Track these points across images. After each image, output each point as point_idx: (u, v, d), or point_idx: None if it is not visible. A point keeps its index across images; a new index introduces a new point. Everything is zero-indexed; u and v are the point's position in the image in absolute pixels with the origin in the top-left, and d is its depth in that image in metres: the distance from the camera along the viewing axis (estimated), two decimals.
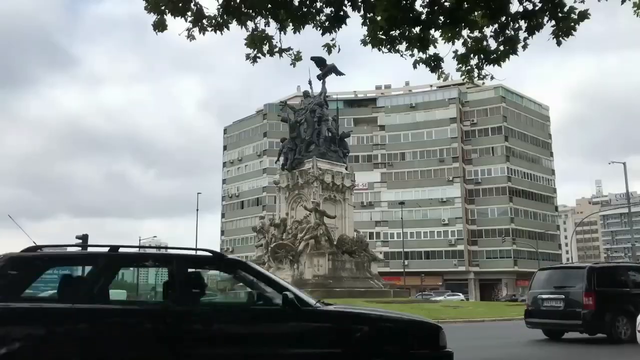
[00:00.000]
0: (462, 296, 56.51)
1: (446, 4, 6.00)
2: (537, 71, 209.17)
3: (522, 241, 70.07)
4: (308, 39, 7.43)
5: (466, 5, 5.92)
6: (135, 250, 6.55)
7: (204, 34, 5.95)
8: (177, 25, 6.06)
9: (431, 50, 6.37)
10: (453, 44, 6.23)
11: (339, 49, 6.35)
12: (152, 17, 5.86)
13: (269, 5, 5.79)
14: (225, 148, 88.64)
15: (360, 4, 6.04)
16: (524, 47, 6.16)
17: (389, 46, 6.32)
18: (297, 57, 6.34)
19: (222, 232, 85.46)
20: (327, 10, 6.02)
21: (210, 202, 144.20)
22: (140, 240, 72.11)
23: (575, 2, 5.89)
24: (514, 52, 6.19)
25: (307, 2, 5.93)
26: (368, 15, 6.11)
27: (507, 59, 6.27)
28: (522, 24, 5.94)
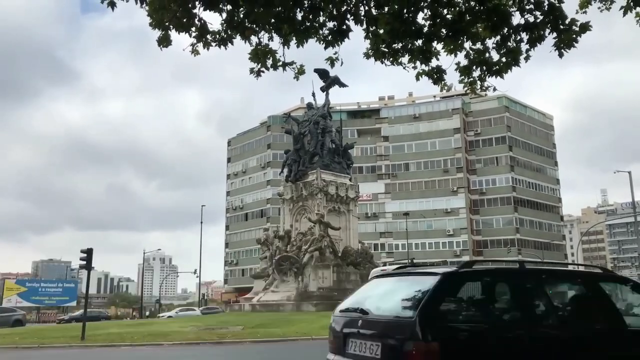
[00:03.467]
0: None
1: (448, 16, 6.04)
2: (536, 81, 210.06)
3: (528, 251, 69.69)
4: (311, 52, 7.50)
5: (468, 18, 5.96)
6: None
7: (208, 49, 6.01)
8: (181, 39, 6.13)
9: (434, 63, 6.39)
10: (455, 56, 6.26)
11: (342, 62, 6.39)
12: (153, 31, 5.92)
13: (273, 20, 5.84)
14: (229, 160, 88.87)
15: (362, 17, 6.09)
16: (526, 58, 6.19)
17: (391, 59, 6.35)
18: (301, 71, 6.38)
19: (227, 245, 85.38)
20: (330, 24, 6.07)
21: (213, 214, 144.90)
22: (144, 253, 72.19)
23: (577, 13, 5.92)
24: (516, 63, 6.21)
25: (310, 17, 5.99)
26: (370, 28, 6.15)
27: (509, 70, 6.29)
28: (524, 35, 5.97)
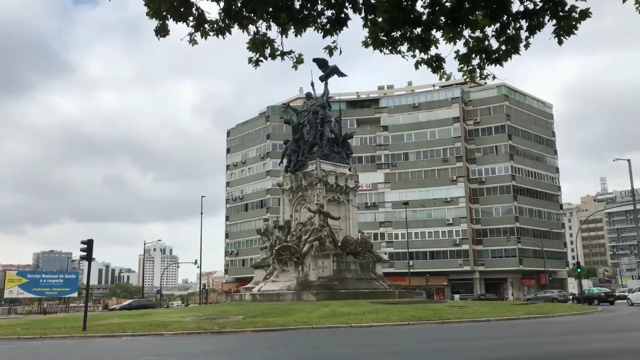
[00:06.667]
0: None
1: (447, 4, 6.00)
2: (530, 71, 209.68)
3: (527, 240, 69.85)
4: (310, 41, 7.46)
5: (467, 6, 5.92)
6: None
7: (205, 38, 5.97)
8: (178, 29, 6.11)
9: (433, 51, 6.37)
10: (454, 44, 6.22)
11: (341, 51, 6.36)
12: (148, 21, 5.90)
13: (270, 9, 5.81)
14: (228, 151, 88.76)
15: (361, 5, 6.05)
16: (526, 46, 6.16)
17: (390, 47, 6.32)
18: (299, 60, 6.36)
19: (227, 235, 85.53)
20: (328, 13, 6.03)
21: (213, 205, 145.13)
22: (145, 244, 72.32)
23: (576, 0, 5.88)
24: (516, 51, 6.18)
25: (308, 5, 5.95)
26: (369, 16, 6.11)
27: (509, 58, 6.26)
28: (523, 23, 5.94)
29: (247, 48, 6.16)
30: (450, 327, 19.70)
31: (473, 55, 6.35)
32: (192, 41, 6.02)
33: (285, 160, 38.16)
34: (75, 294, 64.89)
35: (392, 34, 6.17)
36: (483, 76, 6.53)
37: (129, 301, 58.13)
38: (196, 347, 14.45)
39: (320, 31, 6.10)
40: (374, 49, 6.32)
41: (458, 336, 15.89)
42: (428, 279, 65.23)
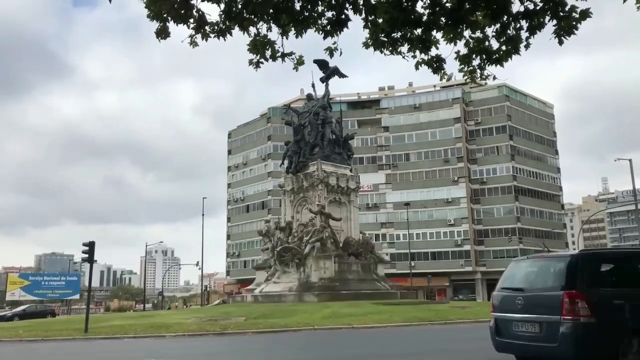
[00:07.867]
0: None
1: (447, 5, 6.00)
2: (529, 71, 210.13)
3: (529, 240, 69.74)
4: (310, 42, 7.47)
5: (467, 6, 5.92)
6: None
7: (206, 40, 5.98)
8: (178, 31, 6.11)
9: (433, 52, 6.37)
10: (455, 44, 6.23)
11: (341, 52, 6.37)
12: (148, 22, 5.90)
13: (271, 11, 5.82)
14: (229, 152, 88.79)
15: (361, 6, 6.06)
16: (526, 46, 6.16)
17: (390, 48, 6.33)
18: (300, 61, 6.36)
19: (228, 236, 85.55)
20: (329, 14, 6.04)
21: (214, 206, 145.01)
22: (146, 245, 72.41)
23: (577, 0, 5.89)
24: (516, 51, 6.18)
25: (309, 6, 5.96)
26: (369, 17, 6.12)
27: (509, 58, 6.26)
28: (524, 23, 5.94)
29: (248, 50, 6.17)
30: (452, 327, 19.69)
31: (473, 56, 6.36)
32: (193, 43, 6.03)
33: (286, 162, 38.17)
34: (77, 296, 64.95)
35: (393, 34, 6.18)
36: (484, 76, 6.54)
37: (22, 307, 47.05)
38: (199, 348, 14.45)
39: (320, 32, 6.10)
40: (375, 49, 6.33)
41: (461, 337, 15.87)
42: (430, 280, 65.16)
